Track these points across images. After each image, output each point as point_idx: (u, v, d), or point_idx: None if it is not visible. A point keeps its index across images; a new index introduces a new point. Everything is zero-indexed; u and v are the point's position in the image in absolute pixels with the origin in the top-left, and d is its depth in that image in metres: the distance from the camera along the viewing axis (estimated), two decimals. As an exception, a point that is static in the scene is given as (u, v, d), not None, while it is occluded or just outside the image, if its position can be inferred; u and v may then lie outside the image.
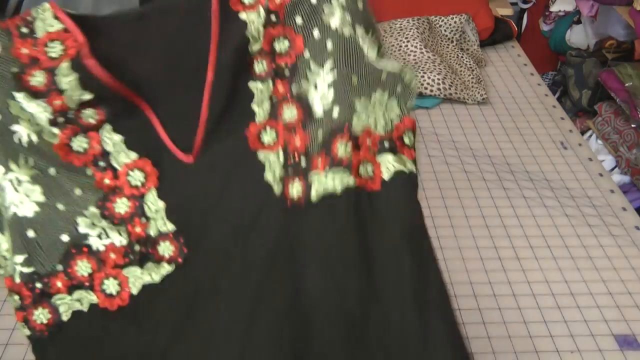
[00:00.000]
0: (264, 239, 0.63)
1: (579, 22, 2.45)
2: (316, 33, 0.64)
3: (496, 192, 1.13)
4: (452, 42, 1.55)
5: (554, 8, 2.58)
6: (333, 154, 0.63)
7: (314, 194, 0.63)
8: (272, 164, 0.63)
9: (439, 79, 1.38)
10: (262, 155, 0.63)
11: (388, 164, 0.65)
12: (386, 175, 0.65)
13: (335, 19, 0.64)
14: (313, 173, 0.63)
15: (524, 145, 1.26)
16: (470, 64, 1.47)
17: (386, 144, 0.65)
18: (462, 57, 1.49)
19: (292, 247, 0.63)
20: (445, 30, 1.56)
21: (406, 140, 0.66)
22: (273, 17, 0.63)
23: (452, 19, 1.57)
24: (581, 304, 0.90)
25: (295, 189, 0.63)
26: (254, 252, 0.63)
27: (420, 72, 1.39)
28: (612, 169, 2.05)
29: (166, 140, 0.62)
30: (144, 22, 0.61)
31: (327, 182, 0.63)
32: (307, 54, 0.65)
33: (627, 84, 1.98)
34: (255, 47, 0.63)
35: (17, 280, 0.61)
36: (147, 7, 0.62)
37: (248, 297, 0.63)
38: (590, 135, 2.19)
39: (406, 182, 0.65)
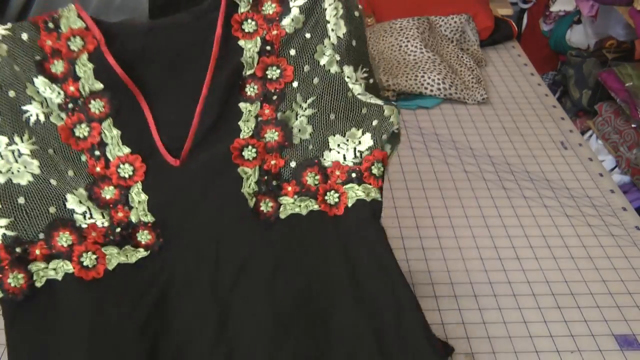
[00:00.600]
0: (236, 244, 0.70)
1: (579, 22, 2.45)
2: (306, 67, 0.72)
3: (496, 192, 1.13)
4: (452, 42, 1.55)
5: (554, 8, 2.58)
6: (302, 182, 0.72)
7: (282, 213, 0.72)
8: (249, 179, 0.71)
9: (439, 79, 1.38)
10: (241, 169, 0.71)
11: (352, 193, 0.73)
12: (349, 203, 0.72)
13: (325, 57, 0.72)
14: (283, 197, 0.72)
15: (524, 145, 1.26)
16: (470, 64, 1.47)
17: (353, 175, 0.73)
18: (462, 57, 1.49)
19: (261, 253, 0.70)
20: (445, 30, 1.56)
21: (374, 170, 0.73)
22: (268, 47, 0.72)
23: (452, 19, 1.57)
24: (581, 304, 0.90)
25: (266, 207, 0.71)
26: (226, 254, 0.69)
27: (420, 72, 1.40)
28: (612, 169, 2.05)
29: (158, 143, 0.69)
30: (153, 33, 0.70)
31: (294, 206, 0.72)
32: (295, 84, 0.72)
33: (627, 84, 1.97)
34: (249, 71, 0.71)
35: None
36: (158, 22, 0.71)
37: (218, 296, 0.68)
38: (590, 135, 2.19)
39: (366, 208, 0.72)
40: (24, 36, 0.66)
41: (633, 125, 1.98)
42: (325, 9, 0.71)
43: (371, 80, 0.75)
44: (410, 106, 1.37)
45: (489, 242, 1.01)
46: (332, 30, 0.72)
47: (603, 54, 2.29)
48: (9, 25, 0.66)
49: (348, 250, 0.72)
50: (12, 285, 0.65)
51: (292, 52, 0.72)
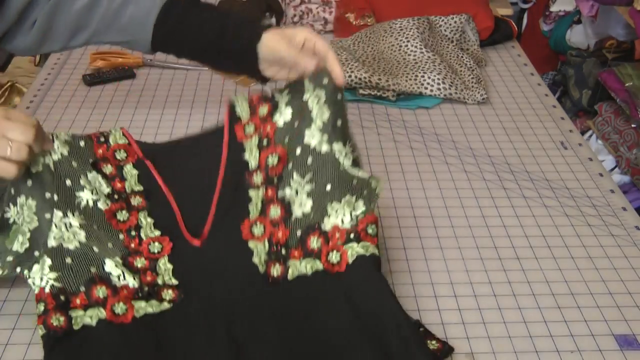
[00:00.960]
0: (249, 301, 0.81)
1: (579, 22, 2.45)
2: (299, 150, 0.85)
3: (496, 192, 1.13)
4: (452, 42, 1.55)
5: (554, 8, 2.58)
6: (307, 246, 0.83)
7: (290, 275, 0.83)
8: (259, 251, 0.84)
9: (439, 79, 1.38)
10: (252, 243, 0.84)
11: (352, 250, 0.83)
12: (350, 260, 0.82)
13: (314, 140, 0.84)
14: (291, 261, 0.83)
15: (524, 145, 1.26)
16: (470, 64, 1.47)
17: (352, 236, 0.83)
18: (462, 57, 1.49)
19: (272, 309, 0.80)
20: (445, 30, 1.56)
21: (369, 230, 0.84)
22: (265, 142, 0.87)
23: (452, 19, 1.57)
24: (581, 304, 0.90)
25: (276, 270, 0.83)
26: (240, 309, 0.80)
27: (420, 72, 1.39)
28: (612, 169, 2.05)
29: (183, 229, 0.85)
30: (178, 148, 0.91)
31: (300, 267, 0.83)
32: (290, 166, 0.86)
33: (627, 84, 1.98)
34: (253, 165, 0.87)
35: (47, 291, 0.78)
36: (181, 139, 0.93)
37: (233, 345, 0.77)
38: (590, 135, 2.19)
39: (366, 262, 0.82)
40: (82, 143, 0.85)
41: (633, 125, 1.98)
42: (308, 100, 0.85)
43: (355, 154, 0.87)
44: (410, 106, 1.37)
45: (489, 242, 1.01)
46: (317, 115, 0.84)
47: (603, 54, 2.29)
48: (70, 134, 0.84)
49: (352, 299, 0.80)
50: (54, 324, 0.77)
51: (285, 139, 0.86)
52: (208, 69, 1.50)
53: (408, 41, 1.47)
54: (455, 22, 1.56)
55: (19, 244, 0.81)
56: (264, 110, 0.88)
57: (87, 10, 0.99)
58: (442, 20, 1.57)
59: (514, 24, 1.73)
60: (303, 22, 1.68)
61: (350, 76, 1.37)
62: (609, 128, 2.07)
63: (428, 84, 1.38)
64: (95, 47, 1.59)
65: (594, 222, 1.06)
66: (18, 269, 0.81)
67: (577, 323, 0.87)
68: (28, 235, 0.81)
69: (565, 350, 0.83)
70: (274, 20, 1.56)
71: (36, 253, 0.80)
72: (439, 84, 1.38)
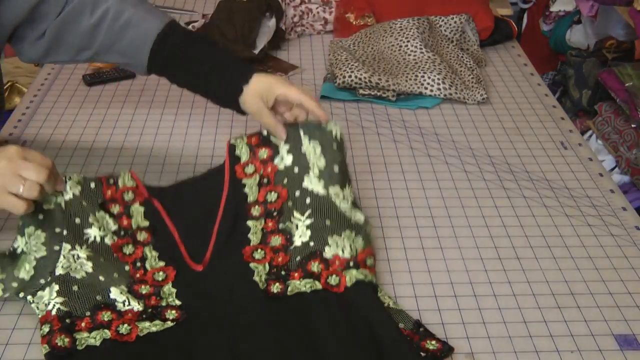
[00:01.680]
0: (250, 316, 0.84)
1: (579, 22, 2.45)
2: (297, 192, 0.92)
3: (496, 192, 1.13)
4: (452, 42, 1.55)
5: (554, 8, 2.58)
6: (307, 269, 0.88)
7: (289, 291, 0.86)
8: (260, 272, 0.88)
9: (439, 79, 1.38)
10: (253, 265, 0.89)
11: (351, 275, 0.87)
12: (349, 283, 0.86)
13: (312, 184, 0.92)
14: (290, 281, 0.87)
15: (524, 145, 1.26)
16: (470, 64, 1.47)
17: (351, 264, 0.88)
18: (462, 57, 1.49)
19: (271, 323, 0.83)
20: (445, 30, 1.56)
21: (368, 262, 0.89)
22: (265, 180, 0.94)
23: (452, 19, 1.57)
24: (581, 304, 0.90)
25: (276, 287, 0.86)
26: (242, 323, 0.83)
27: (420, 72, 1.39)
28: (612, 169, 2.05)
29: (185, 256, 0.89)
30: (182, 187, 0.95)
31: (300, 286, 0.87)
32: (290, 204, 0.92)
33: (627, 84, 1.97)
34: (251, 199, 0.93)
35: (53, 313, 0.82)
36: (185, 180, 0.97)
37: (236, 357, 0.80)
38: (590, 135, 2.19)
39: (365, 287, 0.86)
40: (92, 185, 0.89)
41: (633, 125, 1.98)
42: (305, 151, 0.93)
43: (355, 199, 0.94)
44: (410, 106, 1.37)
45: (489, 242, 1.01)
46: (314, 164, 0.92)
47: (603, 54, 2.29)
48: (82, 175, 0.88)
49: (349, 315, 0.82)
50: (59, 344, 0.79)
51: (285, 181, 0.93)
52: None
53: (408, 41, 1.47)
54: (455, 22, 1.56)
55: (25, 272, 0.84)
56: (264, 154, 0.94)
57: (91, 32, 1.02)
58: (442, 20, 1.57)
59: (514, 24, 1.73)
60: (303, 22, 1.68)
61: (350, 76, 1.37)
62: (608, 128, 2.07)
63: (428, 84, 1.38)
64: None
65: (594, 222, 1.06)
66: (21, 294, 0.85)
67: (577, 323, 0.87)
68: (34, 263, 0.84)
69: (565, 350, 0.83)
70: (274, 20, 1.56)
71: (42, 281, 0.84)
72: (439, 84, 1.38)
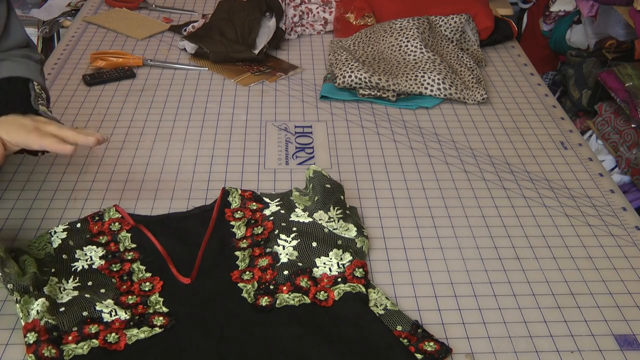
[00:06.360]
0: (237, 325, 0.84)
1: (579, 22, 2.45)
2: (284, 224, 0.97)
3: (496, 192, 1.13)
4: (452, 42, 1.55)
5: (554, 8, 2.58)
6: (295, 284, 0.89)
7: (277, 304, 0.87)
8: (248, 290, 0.89)
9: (439, 79, 1.38)
10: (241, 284, 0.89)
11: (339, 290, 0.88)
12: (337, 297, 0.87)
13: (298, 217, 0.98)
14: (279, 294, 0.88)
15: (524, 145, 1.26)
16: (470, 64, 1.47)
17: (339, 280, 0.90)
18: (462, 57, 1.49)
19: (259, 332, 0.83)
20: (445, 30, 1.56)
21: (356, 274, 0.90)
22: (253, 221, 0.99)
23: (452, 19, 1.57)
24: (581, 304, 0.90)
25: (264, 301, 0.87)
26: (229, 332, 0.83)
27: (420, 72, 1.40)
28: (612, 169, 2.05)
29: (172, 269, 0.91)
30: (168, 219, 1.00)
31: (288, 299, 0.87)
32: (276, 231, 0.96)
33: (627, 84, 1.98)
34: (239, 235, 0.97)
35: (42, 324, 0.81)
36: (171, 213, 1.03)
37: None
38: (590, 135, 2.19)
39: (353, 297, 0.87)
40: (78, 225, 0.96)
41: (633, 125, 1.98)
42: (293, 197, 1.02)
43: (347, 211, 0.98)
44: (410, 106, 1.37)
45: (489, 242, 1.01)
46: (299, 203, 1.00)
47: (603, 54, 2.29)
48: (67, 223, 0.96)
49: (338, 323, 0.83)
50: (45, 355, 0.78)
51: (271, 219, 0.98)
52: (208, 69, 1.50)
53: (408, 41, 1.47)
54: (455, 22, 1.57)
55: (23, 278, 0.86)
56: (254, 206, 1.02)
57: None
58: (442, 20, 1.57)
59: (514, 24, 1.73)
60: (303, 22, 1.68)
61: (350, 76, 1.37)
62: (609, 128, 2.07)
63: (428, 84, 1.38)
64: (95, 47, 1.59)
65: (594, 222, 1.06)
66: (10, 285, 0.84)
67: (577, 323, 0.87)
68: (29, 274, 0.86)
69: (565, 350, 0.83)
70: (273, 20, 1.56)
71: (31, 288, 0.84)
72: (439, 84, 1.38)
